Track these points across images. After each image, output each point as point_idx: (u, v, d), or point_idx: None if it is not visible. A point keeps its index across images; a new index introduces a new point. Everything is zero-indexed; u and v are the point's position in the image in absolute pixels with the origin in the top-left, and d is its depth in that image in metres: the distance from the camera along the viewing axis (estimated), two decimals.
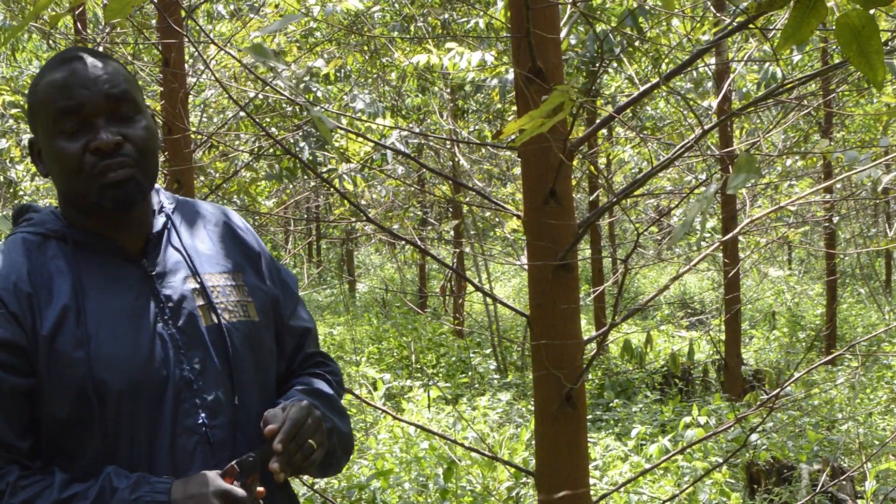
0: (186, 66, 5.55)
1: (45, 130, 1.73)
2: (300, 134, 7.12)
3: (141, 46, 7.30)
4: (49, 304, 1.70)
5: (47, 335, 1.68)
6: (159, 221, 1.83)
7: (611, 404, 8.33)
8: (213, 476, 1.67)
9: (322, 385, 1.92)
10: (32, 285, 1.70)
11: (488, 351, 10.61)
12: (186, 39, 4.90)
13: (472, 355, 10.33)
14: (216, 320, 1.79)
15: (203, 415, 1.73)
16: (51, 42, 7.81)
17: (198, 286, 1.80)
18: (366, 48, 8.21)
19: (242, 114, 6.88)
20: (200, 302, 1.79)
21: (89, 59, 1.74)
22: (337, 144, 7.85)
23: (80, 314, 1.69)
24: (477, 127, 9.58)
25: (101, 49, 5.67)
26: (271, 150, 7.48)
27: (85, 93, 1.70)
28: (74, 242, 1.76)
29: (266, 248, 1.98)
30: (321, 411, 1.81)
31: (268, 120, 7.41)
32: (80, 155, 1.70)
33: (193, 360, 1.75)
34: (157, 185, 1.88)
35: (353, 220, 5.03)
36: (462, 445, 2.85)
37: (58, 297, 1.70)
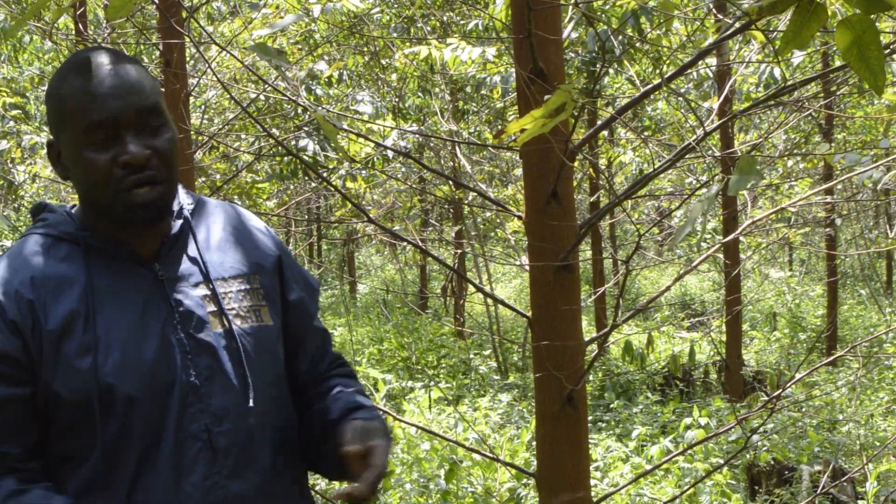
0: (188, 66, 5.55)
1: (71, 139, 1.72)
2: (303, 133, 7.11)
3: (142, 47, 7.30)
4: (56, 306, 1.70)
5: (54, 338, 1.68)
6: (177, 224, 1.82)
7: (612, 405, 8.33)
8: None
9: (365, 399, 1.91)
10: (35, 290, 1.70)
11: (489, 352, 10.61)
12: (188, 40, 4.89)
13: (472, 356, 10.34)
14: (227, 326, 1.78)
15: (207, 421, 1.73)
16: (52, 41, 7.81)
17: (209, 292, 1.79)
18: (366, 49, 8.21)
19: (244, 114, 6.88)
20: (211, 308, 1.78)
21: (116, 66, 1.72)
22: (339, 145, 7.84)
23: (88, 319, 1.70)
24: (478, 128, 9.59)
25: None
26: (272, 151, 7.47)
27: (116, 105, 1.68)
28: (87, 246, 1.76)
29: (287, 249, 1.96)
30: (388, 443, 1.82)
31: (269, 121, 7.41)
32: (109, 167, 1.70)
33: (201, 366, 1.74)
34: None
35: (355, 220, 5.02)
36: (463, 446, 2.85)
37: (66, 300, 1.70)
